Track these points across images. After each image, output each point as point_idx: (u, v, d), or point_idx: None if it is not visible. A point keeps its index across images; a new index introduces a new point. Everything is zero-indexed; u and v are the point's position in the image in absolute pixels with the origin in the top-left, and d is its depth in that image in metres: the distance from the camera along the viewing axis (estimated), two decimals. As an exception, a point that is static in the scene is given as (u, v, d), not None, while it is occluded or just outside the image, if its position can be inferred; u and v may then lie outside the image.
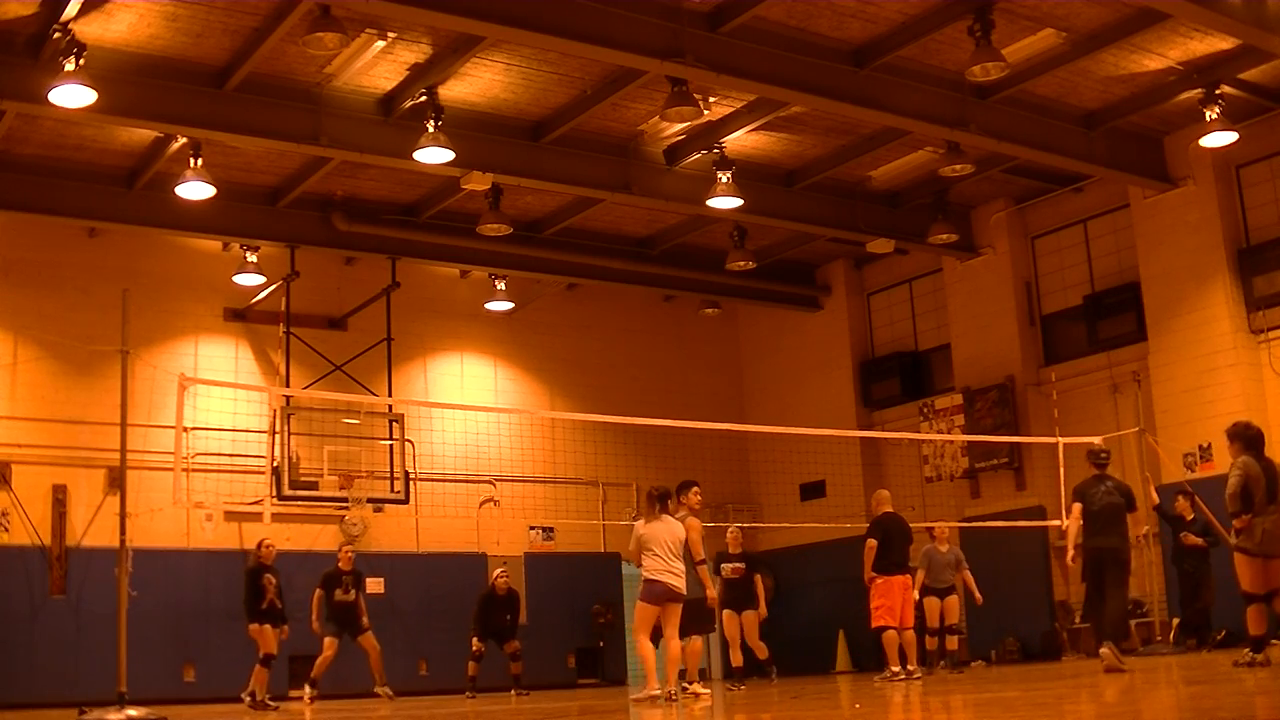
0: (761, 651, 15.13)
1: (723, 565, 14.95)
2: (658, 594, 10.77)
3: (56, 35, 12.16)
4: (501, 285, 19.44)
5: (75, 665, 15.68)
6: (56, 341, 16.41)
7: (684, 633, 11.31)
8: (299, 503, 17.64)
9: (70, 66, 12.10)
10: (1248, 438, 10.11)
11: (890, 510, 13.30)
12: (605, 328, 21.61)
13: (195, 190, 15.05)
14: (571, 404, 20.67)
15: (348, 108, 14.67)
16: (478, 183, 15.65)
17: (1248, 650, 9.74)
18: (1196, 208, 16.95)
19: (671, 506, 11.10)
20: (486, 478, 19.34)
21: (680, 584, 10.86)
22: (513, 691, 16.12)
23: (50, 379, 17.04)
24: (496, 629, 16.26)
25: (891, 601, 12.84)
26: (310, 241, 17.83)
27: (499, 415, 19.26)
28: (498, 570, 16.74)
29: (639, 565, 10.90)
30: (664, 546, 10.80)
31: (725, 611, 14.83)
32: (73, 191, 16.09)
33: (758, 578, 15.19)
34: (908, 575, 13.22)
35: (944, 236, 18.26)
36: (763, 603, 15.12)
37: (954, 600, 15.84)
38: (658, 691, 10.67)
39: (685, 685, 11.60)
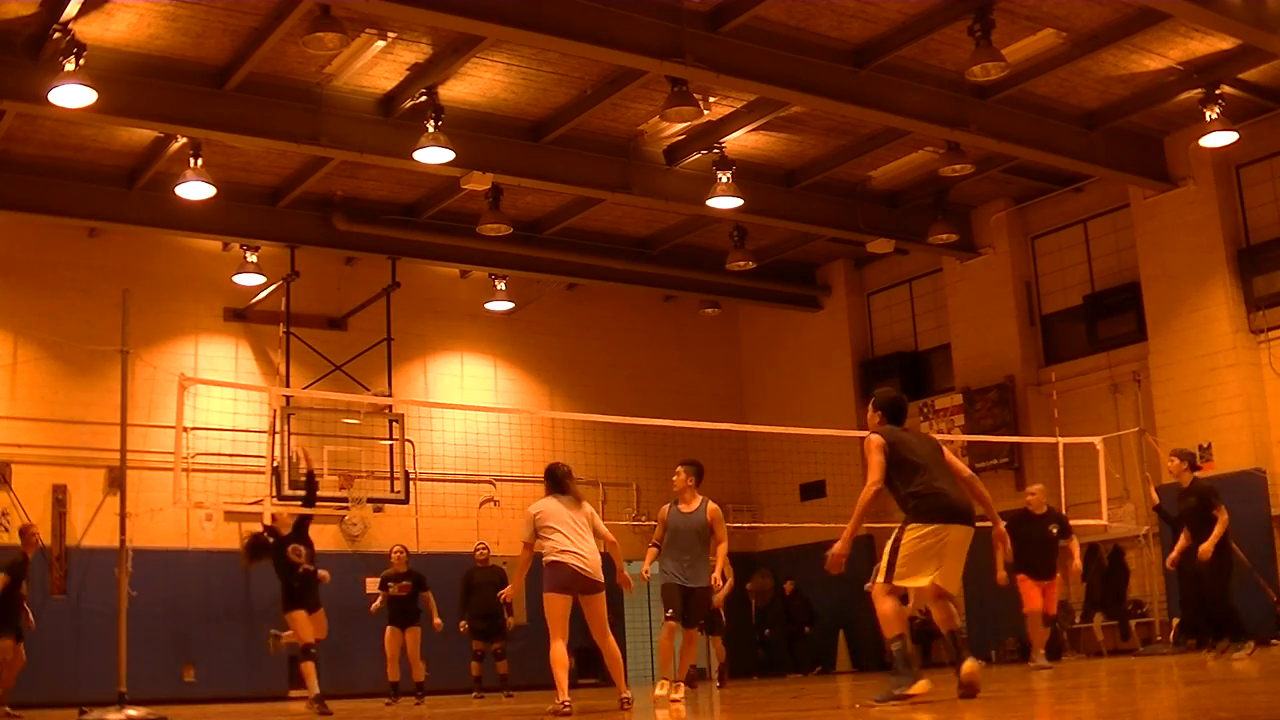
0: (420, 673, 14.88)
1: (389, 583, 14.94)
2: (565, 580, 9.04)
3: (56, 35, 12.16)
4: (501, 285, 19.44)
5: (75, 665, 15.66)
6: (56, 341, 16.40)
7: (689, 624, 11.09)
8: (299, 503, 17.57)
9: (70, 66, 12.09)
10: None
11: None
12: (605, 328, 21.59)
13: (195, 190, 15.04)
14: (571, 404, 20.65)
15: (348, 108, 14.66)
16: (478, 183, 15.65)
17: None
18: (1196, 208, 16.95)
19: (569, 485, 9.55)
20: (486, 478, 19.32)
21: (593, 569, 9.07)
22: (503, 693, 15.70)
23: (50, 379, 17.03)
24: (484, 615, 15.83)
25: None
26: (310, 241, 17.83)
27: (499, 415, 19.23)
28: (477, 545, 16.47)
29: (537, 552, 9.37)
30: (567, 524, 9.17)
31: (388, 628, 14.82)
32: (73, 191, 16.08)
33: (426, 595, 14.98)
34: None
35: (944, 236, 18.26)
36: (435, 617, 14.85)
37: None
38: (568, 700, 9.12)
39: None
